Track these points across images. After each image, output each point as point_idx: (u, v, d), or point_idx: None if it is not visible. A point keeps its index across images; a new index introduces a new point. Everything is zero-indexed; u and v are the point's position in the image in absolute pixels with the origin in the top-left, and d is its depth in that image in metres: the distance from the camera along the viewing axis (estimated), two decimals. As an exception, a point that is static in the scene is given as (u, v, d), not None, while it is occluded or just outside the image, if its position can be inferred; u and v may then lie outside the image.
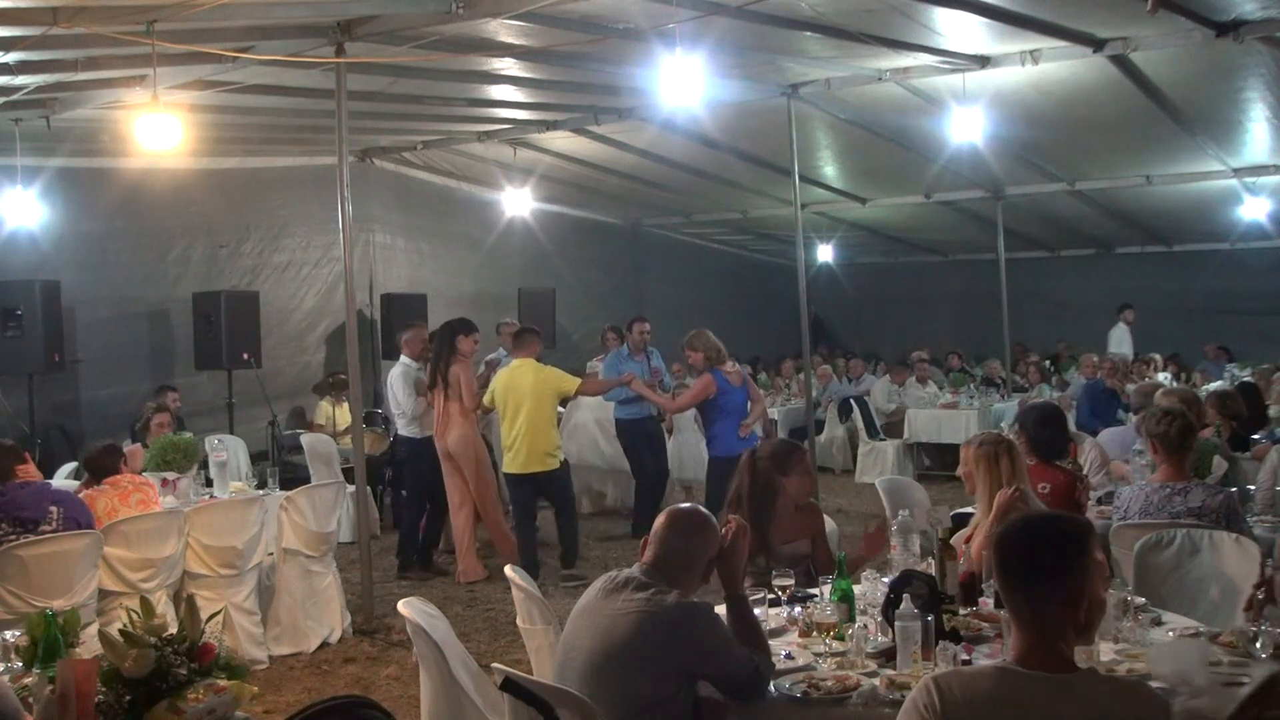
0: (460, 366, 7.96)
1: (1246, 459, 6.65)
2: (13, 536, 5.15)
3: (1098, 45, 7.85)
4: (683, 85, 6.80)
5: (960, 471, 4.59)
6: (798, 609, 3.79)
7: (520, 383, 7.81)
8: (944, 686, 2.32)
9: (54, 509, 5.29)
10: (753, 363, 15.29)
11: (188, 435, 7.20)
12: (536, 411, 7.75)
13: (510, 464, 7.89)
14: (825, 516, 4.82)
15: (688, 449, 9.78)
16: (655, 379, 9.42)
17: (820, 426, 12.56)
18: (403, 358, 8.54)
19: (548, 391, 7.85)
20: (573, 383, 8.17)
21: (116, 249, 10.33)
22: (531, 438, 7.75)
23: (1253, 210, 13.26)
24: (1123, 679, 2.32)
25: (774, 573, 4.00)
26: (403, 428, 8.53)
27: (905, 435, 12.09)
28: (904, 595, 3.33)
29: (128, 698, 2.93)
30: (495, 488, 8.26)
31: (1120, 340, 14.42)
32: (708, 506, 7.77)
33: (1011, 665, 2.36)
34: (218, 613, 4.75)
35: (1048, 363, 15.35)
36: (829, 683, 3.15)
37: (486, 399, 8.06)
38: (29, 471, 5.47)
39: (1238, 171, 11.77)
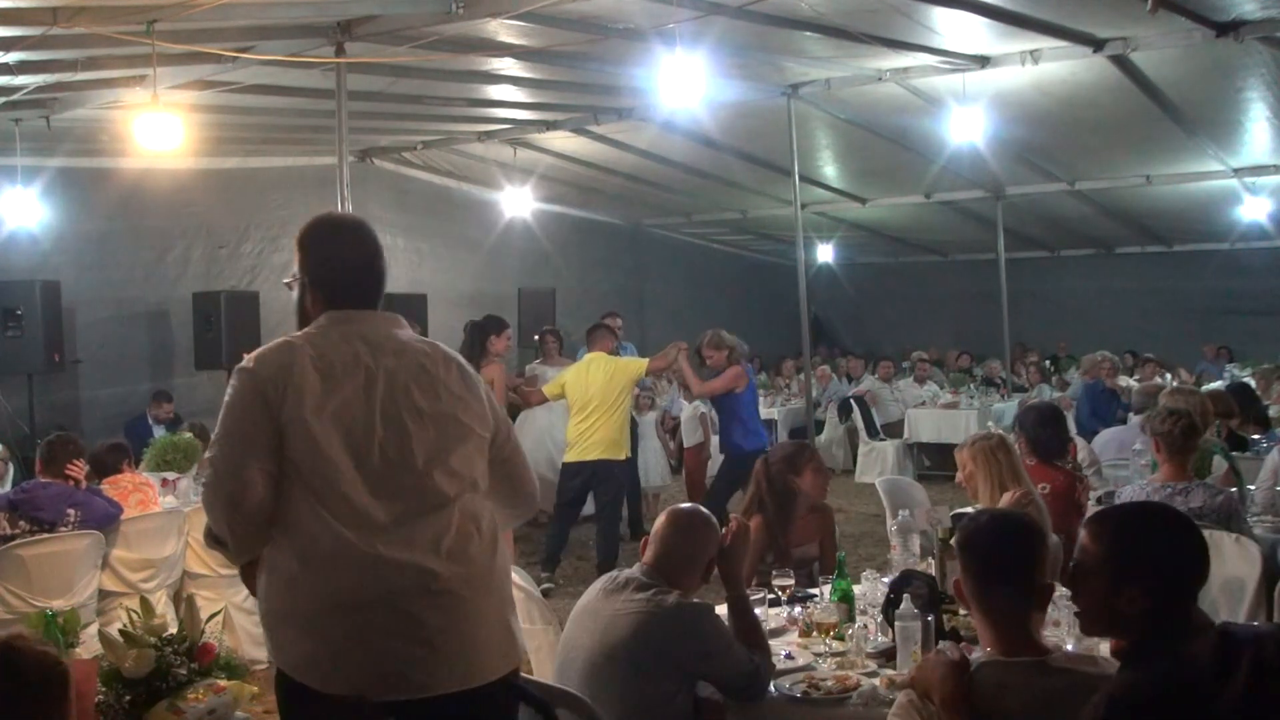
0: (493, 369, 7.64)
1: (1246, 459, 6.64)
2: (29, 535, 5.16)
3: (1098, 45, 7.84)
4: (683, 85, 6.80)
5: (960, 478, 4.54)
6: (798, 609, 3.79)
7: (594, 377, 7.79)
8: None
9: (71, 511, 5.30)
10: (752, 362, 15.26)
11: (188, 435, 7.19)
12: (613, 403, 7.73)
13: (573, 454, 7.79)
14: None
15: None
16: None
17: (820, 426, 12.55)
18: None
19: (624, 381, 7.84)
20: (642, 364, 8.15)
21: (116, 249, 10.33)
22: (605, 428, 7.71)
23: (1253, 210, 13.24)
24: (1083, 654, 2.60)
25: (774, 572, 4.00)
26: None
27: (905, 435, 12.08)
28: (904, 595, 3.33)
29: (128, 698, 2.93)
30: None
31: None
32: (717, 496, 7.69)
33: (993, 657, 2.46)
34: (218, 613, 4.74)
35: (1048, 363, 15.33)
36: (829, 683, 3.15)
37: (552, 390, 8.02)
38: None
39: (1238, 171, 11.75)
